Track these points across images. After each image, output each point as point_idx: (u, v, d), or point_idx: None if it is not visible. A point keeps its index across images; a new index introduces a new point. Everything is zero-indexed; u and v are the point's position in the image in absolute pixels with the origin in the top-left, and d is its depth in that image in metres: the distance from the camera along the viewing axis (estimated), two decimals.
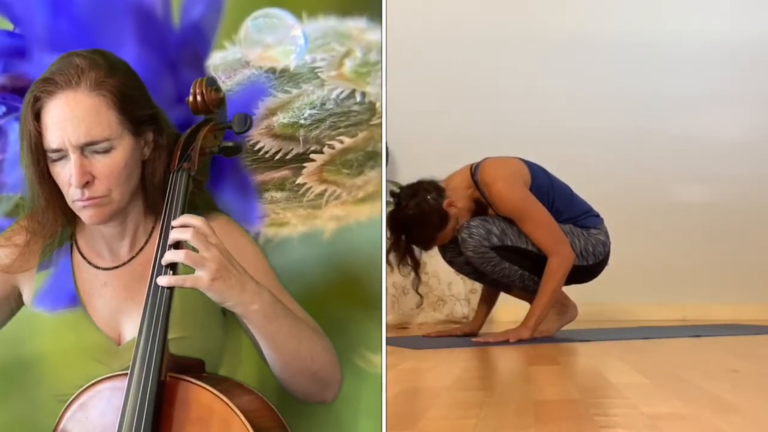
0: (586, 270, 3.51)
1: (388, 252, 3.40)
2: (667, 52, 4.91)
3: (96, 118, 1.16)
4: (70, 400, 1.13)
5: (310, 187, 1.30)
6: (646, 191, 4.86)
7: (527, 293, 3.49)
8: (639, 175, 4.84)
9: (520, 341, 3.22)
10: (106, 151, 1.17)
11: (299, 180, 1.30)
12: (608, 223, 3.57)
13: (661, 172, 4.87)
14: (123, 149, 1.18)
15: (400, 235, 3.41)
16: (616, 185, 4.69)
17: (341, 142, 1.29)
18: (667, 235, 4.88)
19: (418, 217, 3.36)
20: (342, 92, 1.29)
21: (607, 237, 3.54)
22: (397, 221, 3.38)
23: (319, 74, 1.30)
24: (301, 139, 1.30)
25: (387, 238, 3.40)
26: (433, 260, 4.31)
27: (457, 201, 3.41)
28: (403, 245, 3.43)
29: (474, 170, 3.45)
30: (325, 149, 1.29)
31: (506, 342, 3.21)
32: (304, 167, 1.30)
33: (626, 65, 4.88)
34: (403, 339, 3.49)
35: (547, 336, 3.45)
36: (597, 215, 3.58)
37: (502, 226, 3.37)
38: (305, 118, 1.30)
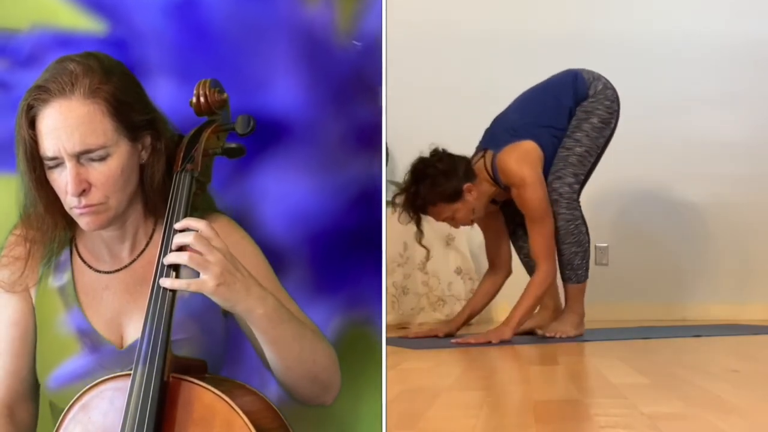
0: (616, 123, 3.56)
1: (397, 194, 3.40)
2: (668, 53, 4.90)
3: (90, 126, 1.15)
4: (73, 400, 1.13)
5: None
6: (646, 191, 4.85)
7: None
8: (639, 175, 4.83)
9: (502, 342, 3.21)
10: (102, 158, 1.16)
11: None
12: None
13: (661, 172, 4.87)
14: (119, 156, 1.17)
15: (418, 184, 3.37)
16: (616, 185, 4.69)
17: None
18: (668, 235, 4.88)
19: (438, 173, 3.34)
20: None
21: (597, 78, 3.56)
22: (422, 163, 3.37)
23: None
24: None
25: (404, 185, 3.39)
26: (433, 260, 4.31)
27: (480, 196, 3.40)
28: (412, 195, 3.39)
29: (493, 172, 3.44)
30: None
31: (489, 343, 3.18)
32: None
33: (626, 65, 4.87)
34: (403, 339, 3.49)
35: (564, 337, 3.41)
36: (574, 75, 3.58)
37: None
38: None
